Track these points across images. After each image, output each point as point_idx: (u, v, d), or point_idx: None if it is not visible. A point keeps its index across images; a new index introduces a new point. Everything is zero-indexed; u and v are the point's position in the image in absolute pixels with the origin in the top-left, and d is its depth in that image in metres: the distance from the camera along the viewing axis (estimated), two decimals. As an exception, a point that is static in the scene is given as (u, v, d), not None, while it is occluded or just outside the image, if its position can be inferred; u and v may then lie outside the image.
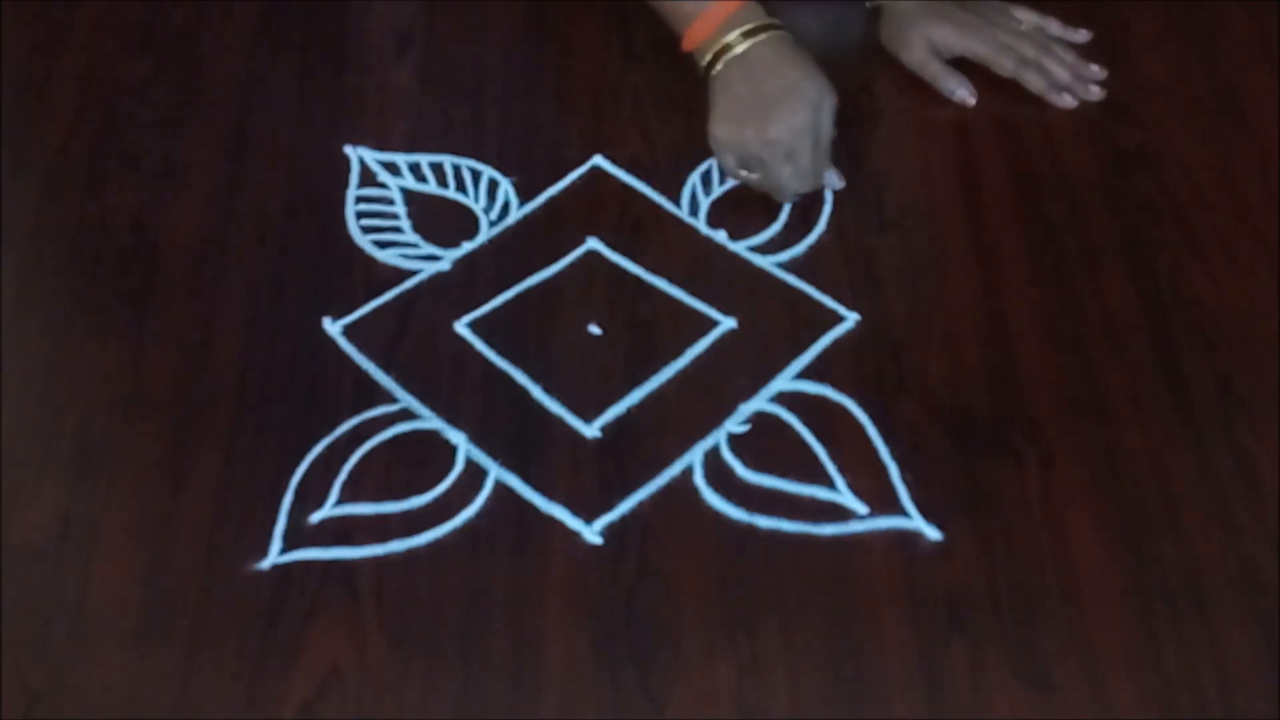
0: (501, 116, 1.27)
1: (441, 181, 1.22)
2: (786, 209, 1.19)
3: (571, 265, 1.16)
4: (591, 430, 1.06)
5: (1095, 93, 1.26)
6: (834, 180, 1.19)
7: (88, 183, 1.23)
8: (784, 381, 1.09)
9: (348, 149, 1.24)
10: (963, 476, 1.03)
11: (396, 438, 1.06)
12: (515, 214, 1.20)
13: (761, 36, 1.17)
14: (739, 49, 1.17)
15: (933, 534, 1.00)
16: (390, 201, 1.21)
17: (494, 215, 1.20)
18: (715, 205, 1.19)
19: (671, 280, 1.14)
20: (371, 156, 1.24)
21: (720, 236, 1.18)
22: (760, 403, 1.07)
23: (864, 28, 1.31)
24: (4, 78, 1.31)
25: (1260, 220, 1.18)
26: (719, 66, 1.17)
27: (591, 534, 1.01)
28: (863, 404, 1.07)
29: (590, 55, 1.31)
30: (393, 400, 1.08)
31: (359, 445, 1.05)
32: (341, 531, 1.01)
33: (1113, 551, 0.99)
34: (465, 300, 1.14)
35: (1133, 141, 1.24)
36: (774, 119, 1.15)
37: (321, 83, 1.30)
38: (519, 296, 1.14)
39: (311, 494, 1.03)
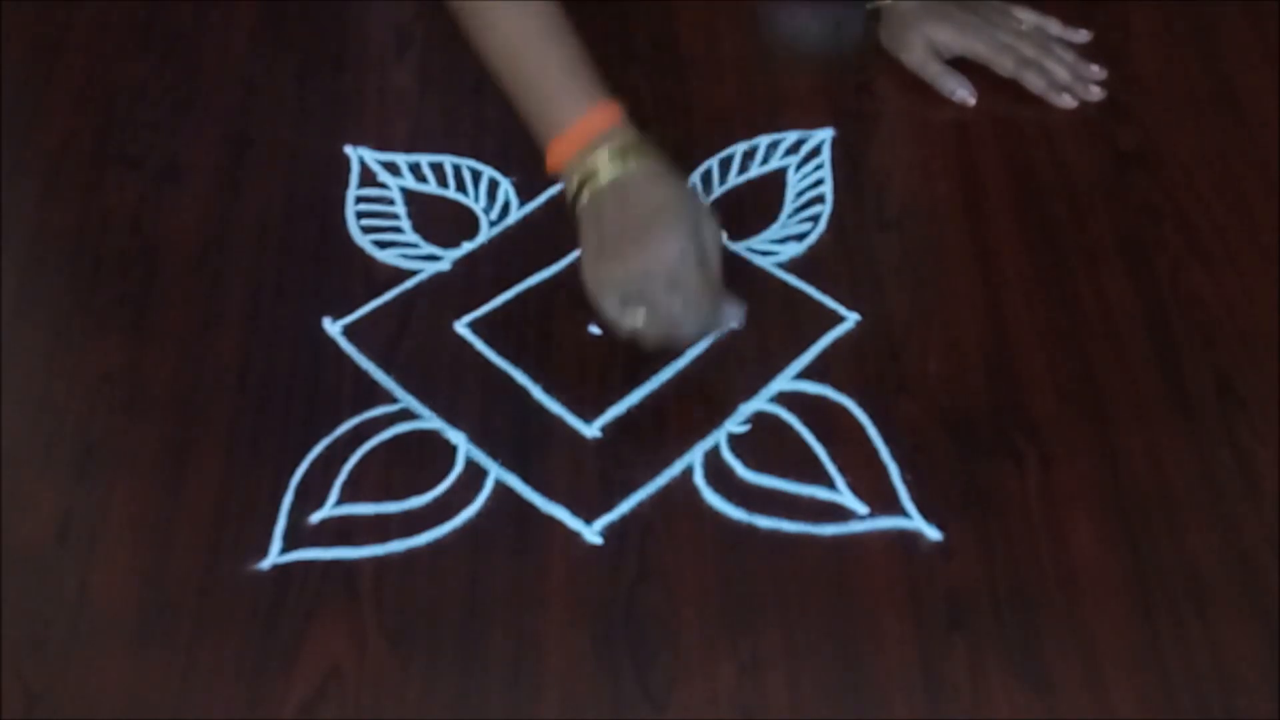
0: (501, 116, 1.26)
1: (441, 181, 1.22)
2: (788, 208, 1.19)
3: (571, 265, 1.16)
4: (591, 430, 1.06)
5: (1095, 93, 1.26)
6: (734, 314, 1.08)
7: (88, 183, 1.23)
8: (784, 381, 1.09)
9: (348, 149, 1.24)
10: (963, 476, 1.03)
11: (396, 438, 1.06)
12: (515, 214, 1.20)
13: (630, 162, 1.04)
14: (604, 178, 1.04)
15: (933, 534, 1.00)
16: (390, 201, 1.21)
17: (494, 215, 1.20)
18: (715, 205, 1.19)
19: (671, 280, 1.14)
20: (371, 156, 1.24)
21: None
22: (760, 403, 1.07)
23: (864, 28, 1.31)
24: (4, 78, 1.31)
25: (1260, 220, 1.18)
26: (584, 199, 1.04)
27: (591, 534, 1.01)
28: (863, 404, 1.07)
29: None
30: (393, 400, 1.08)
31: (359, 445, 1.05)
32: (341, 531, 1.01)
33: (1113, 551, 0.99)
34: (465, 300, 1.14)
35: (1133, 141, 1.24)
36: (649, 244, 1.01)
37: (321, 83, 1.30)
38: (519, 296, 1.14)
39: (311, 494, 1.03)
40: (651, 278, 1.02)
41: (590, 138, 1.04)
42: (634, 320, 1.03)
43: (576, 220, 1.05)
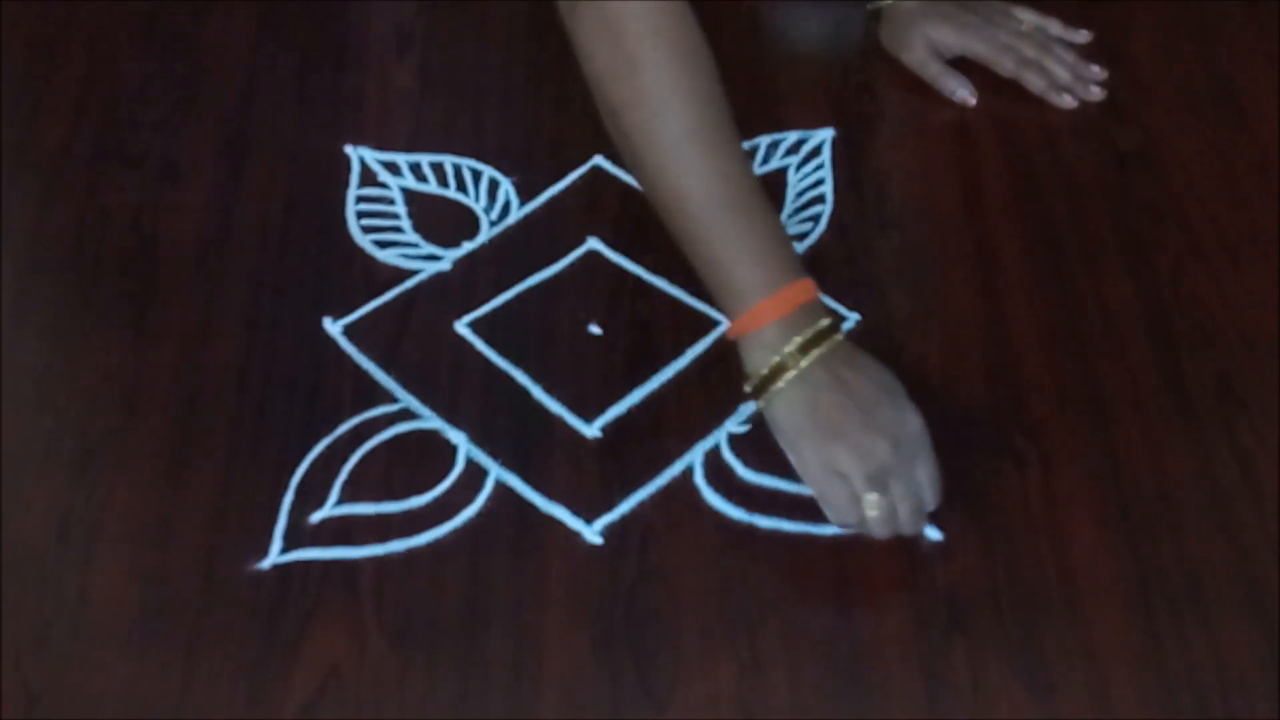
0: (501, 116, 1.27)
1: (442, 181, 1.22)
2: (788, 208, 1.19)
3: (571, 265, 1.16)
4: (591, 430, 1.06)
5: (1095, 93, 1.26)
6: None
7: (88, 183, 1.23)
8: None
9: (348, 149, 1.24)
10: (963, 476, 1.03)
11: (396, 438, 1.06)
12: (515, 214, 1.20)
13: (830, 340, 0.99)
14: (804, 362, 0.98)
15: (933, 534, 1.00)
16: (391, 201, 1.21)
17: (494, 215, 1.20)
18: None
19: (671, 280, 1.14)
20: (372, 156, 1.24)
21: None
22: (760, 403, 1.07)
23: (864, 28, 1.31)
24: (4, 78, 1.31)
25: (1260, 220, 1.18)
26: (780, 385, 0.98)
27: (591, 534, 1.01)
28: (863, 404, 1.07)
29: (590, 55, 1.31)
30: (393, 400, 1.08)
31: (359, 445, 1.05)
32: (341, 531, 1.01)
33: (1113, 552, 0.99)
34: (465, 300, 1.14)
35: (1133, 141, 1.24)
36: (890, 419, 0.97)
37: (322, 82, 1.30)
38: (519, 296, 1.14)
39: (311, 494, 1.03)
40: (900, 454, 0.96)
41: (787, 312, 0.98)
42: (874, 505, 0.96)
43: (765, 402, 0.99)
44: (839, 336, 0.99)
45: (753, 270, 0.99)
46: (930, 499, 0.98)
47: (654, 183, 1.02)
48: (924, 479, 0.98)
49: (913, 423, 0.98)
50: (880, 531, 0.97)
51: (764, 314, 0.99)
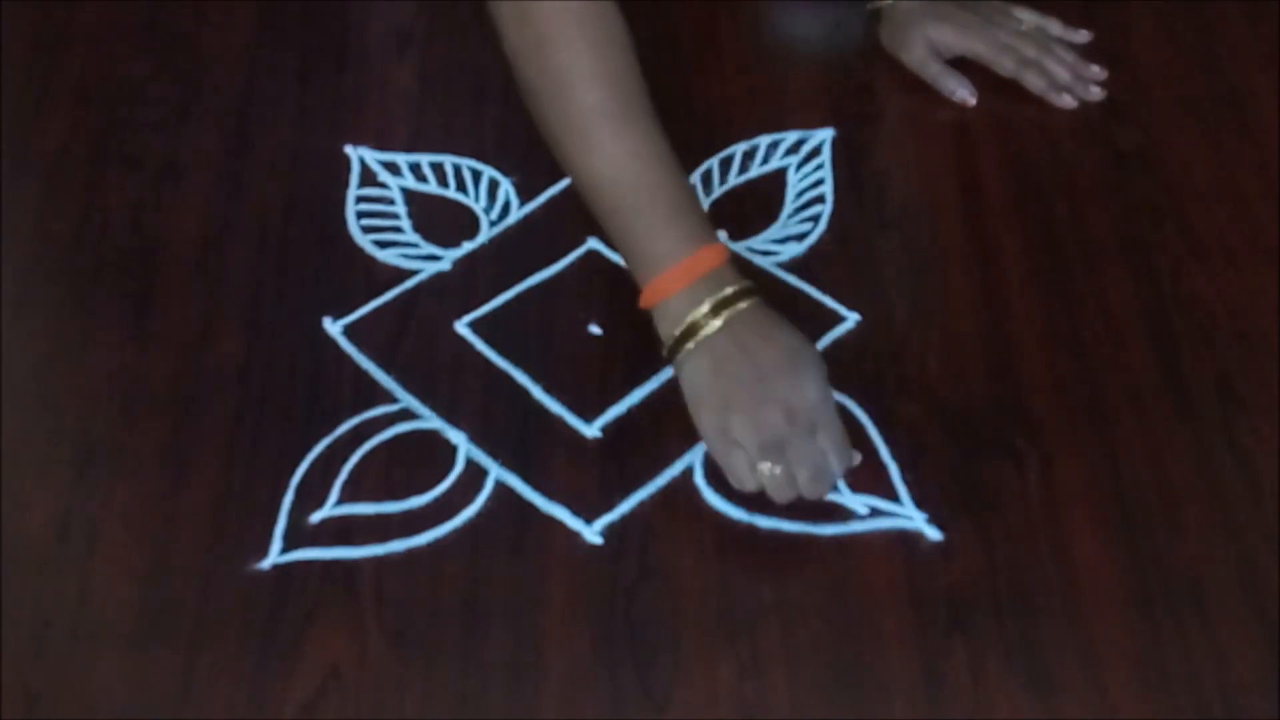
0: (501, 116, 1.27)
1: (442, 181, 1.22)
2: (788, 208, 1.19)
3: (571, 265, 1.16)
4: (591, 430, 1.06)
5: (1095, 93, 1.26)
6: (855, 454, 1.02)
7: (88, 183, 1.23)
8: (784, 381, 1.08)
9: (348, 149, 1.24)
10: (963, 476, 1.03)
11: (396, 438, 1.06)
12: (515, 214, 1.20)
13: (739, 306, 0.99)
14: (711, 327, 0.99)
15: (933, 534, 1.00)
16: (391, 201, 1.21)
17: (494, 215, 1.20)
18: (715, 205, 1.20)
19: (671, 280, 1.14)
20: (372, 156, 1.24)
21: (720, 236, 1.17)
22: (760, 403, 1.07)
23: (864, 28, 1.31)
24: (4, 78, 1.31)
25: (1260, 220, 1.18)
26: (690, 346, 0.99)
27: (591, 534, 1.01)
28: (863, 404, 1.06)
29: (590, 55, 1.31)
30: (393, 400, 1.08)
31: (359, 445, 1.05)
32: (341, 531, 1.01)
33: (1113, 551, 0.99)
34: (465, 300, 1.14)
35: (1133, 141, 1.24)
36: (785, 390, 0.98)
37: (322, 82, 1.30)
38: (519, 296, 1.14)
39: (311, 494, 1.03)
40: (793, 426, 0.97)
41: (695, 278, 0.99)
42: (768, 475, 0.98)
43: (677, 367, 1.01)
44: (745, 304, 1.00)
45: (655, 243, 1.01)
46: (836, 465, 0.99)
47: (566, 161, 1.04)
48: (827, 446, 0.99)
49: (811, 392, 0.98)
50: (779, 498, 0.99)
51: (669, 284, 1.00)
